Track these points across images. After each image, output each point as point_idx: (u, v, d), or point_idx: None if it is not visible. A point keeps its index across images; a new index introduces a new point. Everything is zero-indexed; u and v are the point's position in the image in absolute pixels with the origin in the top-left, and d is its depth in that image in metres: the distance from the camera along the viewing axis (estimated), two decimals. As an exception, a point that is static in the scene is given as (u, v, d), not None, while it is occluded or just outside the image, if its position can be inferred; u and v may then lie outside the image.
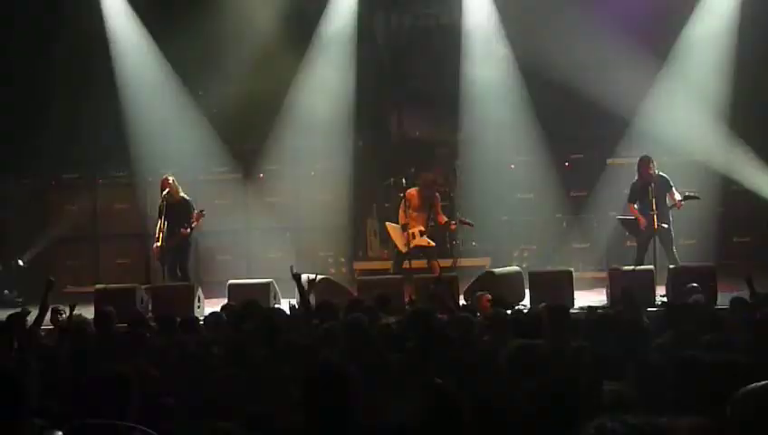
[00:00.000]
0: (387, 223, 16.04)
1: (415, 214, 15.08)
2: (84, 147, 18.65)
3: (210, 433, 5.18)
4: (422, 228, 15.02)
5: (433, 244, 15.16)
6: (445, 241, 17.76)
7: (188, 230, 15.14)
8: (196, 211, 15.26)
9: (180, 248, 15.31)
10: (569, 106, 18.48)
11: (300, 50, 18.45)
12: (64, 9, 18.31)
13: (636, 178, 15.02)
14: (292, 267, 10.88)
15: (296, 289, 10.56)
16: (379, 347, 7.89)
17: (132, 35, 18.51)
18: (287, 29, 18.44)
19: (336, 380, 5.16)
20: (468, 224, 15.61)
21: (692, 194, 14.98)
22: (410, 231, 14.96)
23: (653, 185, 14.66)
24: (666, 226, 14.80)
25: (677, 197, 14.83)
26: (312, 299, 11.15)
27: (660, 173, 14.92)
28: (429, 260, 15.10)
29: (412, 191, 15.28)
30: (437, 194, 15.40)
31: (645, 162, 14.94)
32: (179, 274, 15.24)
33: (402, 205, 15.24)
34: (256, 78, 18.15)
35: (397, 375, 6.78)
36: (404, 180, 15.26)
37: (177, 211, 15.17)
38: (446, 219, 15.17)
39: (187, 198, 15.50)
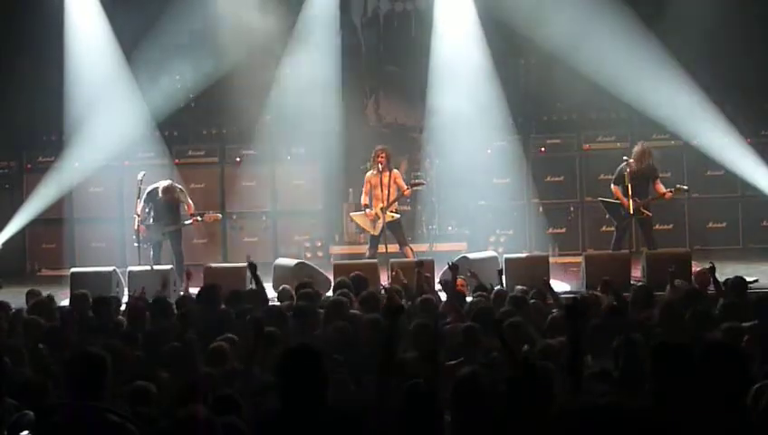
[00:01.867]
0: (351, 213, 16.15)
1: (375, 192, 15.24)
2: (60, 129, 18.56)
3: (182, 417, 5.19)
4: (383, 206, 15.15)
5: (397, 216, 15.28)
6: (421, 225, 17.82)
7: (197, 222, 15.22)
8: (190, 201, 15.32)
9: (177, 234, 15.33)
10: (545, 91, 18.54)
11: (278, 34, 18.38)
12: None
13: (630, 164, 14.91)
14: (248, 256, 11.06)
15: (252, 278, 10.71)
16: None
17: (95, 20, 18.36)
18: (266, 13, 18.36)
19: (308, 358, 5.18)
20: (419, 184, 15.94)
21: (682, 187, 15.00)
22: (373, 213, 15.11)
23: (642, 173, 14.73)
24: (646, 211, 14.85)
25: (662, 188, 14.85)
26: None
27: (651, 163, 14.97)
28: (401, 244, 15.22)
29: (370, 174, 15.40)
30: (395, 170, 15.47)
31: (646, 152, 14.94)
32: (175, 256, 15.23)
33: (364, 188, 15.44)
34: (234, 62, 18.09)
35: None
36: (379, 165, 15.27)
37: (172, 203, 15.17)
38: (404, 187, 15.30)
39: (181, 188, 15.51)
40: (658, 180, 14.98)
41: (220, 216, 15.82)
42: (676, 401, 4.46)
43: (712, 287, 11.07)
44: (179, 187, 15.58)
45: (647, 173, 14.89)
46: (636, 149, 15.08)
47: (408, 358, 7.13)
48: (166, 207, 15.22)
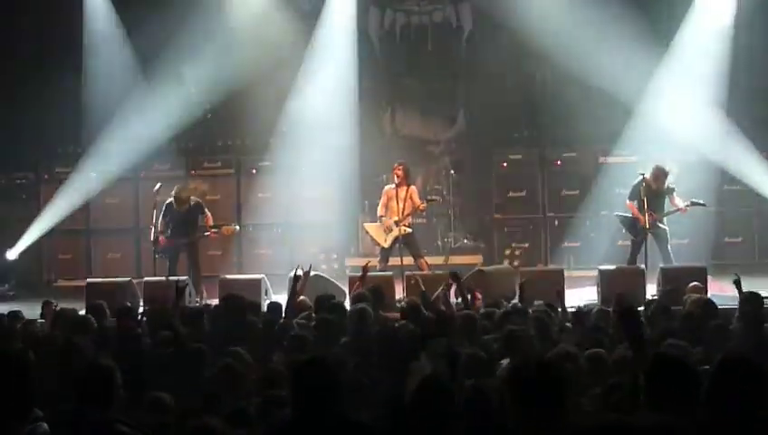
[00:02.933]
0: (364, 224, 16.18)
1: (391, 204, 15.30)
2: (77, 141, 18.64)
3: (195, 430, 5.20)
4: (397, 219, 15.14)
5: (410, 230, 15.27)
6: (437, 238, 17.82)
7: (216, 234, 15.24)
8: (208, 212, 15.36)
9: (194, 246, 15.35)
10: (561, 104, 18.52)
11: (295, 46, 18.44)
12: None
13: (647, 180, 14.89)
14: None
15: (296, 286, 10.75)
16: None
17: (113, 32, 18.46)
18: (283, 25, 18.42)
19: (321, 368, 5.18)
20: (434, 200, 15.95)
21: (698, 201, 14.99)
22: (387, 225, 15.12)
23: (658, 193, 14.73)
24: (662, 225, 14.84)
25: (679, 202, 14.85)
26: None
27: (670, 184, 14.98)
28: (415, 257, 15.22)
29: (388, 187, 15.43)
30: (412, 186, 15.48)
31: (660, 174, 14.93)
32: (191, 269, 15.25)
33: (381, 200, 15.51)
34: (250, 74, 18.14)
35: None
36: (395, 178, 15.29)
37: (189, 212, 15.20)
38: (418, 202, 15.30)
39: (198, 200, 15.55)
40: (674, 194, 14.96)
41: (238, 227, 15.84)
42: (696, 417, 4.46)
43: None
44: (196, 199, 15.56)
45: (662, 190, 14.88)
46: (654, 170, 15.03)
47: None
48: (184, 219, 15.22)
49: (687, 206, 14.83)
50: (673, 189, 15.00)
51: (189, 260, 15.36)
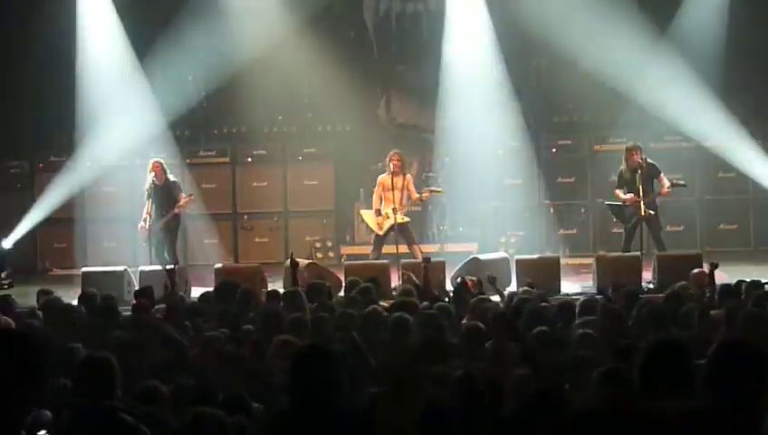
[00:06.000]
0: (360, 210, 16.19)
1: (386, 194, 15.24)
2: (72, 129, 18.59)
3: (197, 418, 5.20)
4: (394, 207, 15.12)
5: (407, 219, 15.26)
6: (432, 226, 17.82)
7: (177, 211, 15.22)
8: (184, 193, 15.38)
9: (168, 230, 15.35)
10: (556, 92, 18.53)
11: (290, 34, 18.40)
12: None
13: (623, 165, 15.02)
14: (292, 254, 11.08)
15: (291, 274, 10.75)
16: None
17: (108, 19, 18.39)
18: (278, 13, 18.40)
19: (322, 356, 5.18)
20: (437, 192, 15.94)
21: (679, 182, 15.01)
22: (384, 212, 15.15)
23: (639, 172, 14.68)
24: (653, 212, 14.83)
25: (666, 182, 14.85)
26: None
27: (648, 160, 14.93)
28: (409, 244, 15.20)
29: (382, 177, 15.40)
30: (408, 175, 15.45)
31: (632, 150, 14.95)
32: (167, 256, 15.26)
33: (376, 191, 15.42)
34: (246, 62, 18.12)
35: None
36: (391, 166, 15.28)
37: (165, 193, 15.22)
38: (417, 194, 15.29)
39: (175, 179, 15.61)
40: (662, 175, 14.94)
41: (193, 196, 15.77)
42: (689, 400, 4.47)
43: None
44: (171, 177, 15.57)
45: (647, 172, 14.84)
46: (624, 153, 15.07)
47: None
48: (161, 201, 15.21)
49: (668, 188, 14.82)
50: (659, 171, 14.97)
51: (167, 247, 15.35)
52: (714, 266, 11.31)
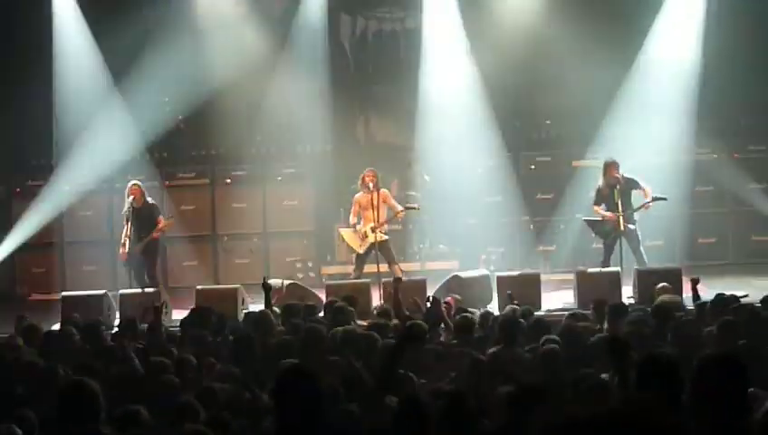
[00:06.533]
0: (339, 229, 16.20)
1: (365, 213, 15.26)
2: (49, 153, 18.52)
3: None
4: (372, 225, 15.13)
5: (386, 237, 15.27)
6: (412, 244, 17.84)
7: (157, 234, 15.20)
8: (163, 216, 15.39)
9: (148, 253, 15.31)
10: (534, 108, 18.61)
11: (266, 54, 18.42)
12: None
13: (600, 181, 15.08)
14: (265, 278, 11.01)
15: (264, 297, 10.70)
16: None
17: (84, 42, 18.35)
18: (254, 34, 18.41)
19: (306, 379, 5.17)
20: (413, 208, 15.91)
21: (659, 196, 15.06)
22: (362, 231, 15.14)
23: (617, 187, 14.74)
24: (632, 227, 14.88)
25: (649, 190, 14.88)
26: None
27: (626, 175, 14.99)
28: (389, 262, 15.20)
29: (358, 195, 15.41)
30: (383, 190, 15.46)
31: (610, 166, 15.01)
32: (147, 279, 15.21)
33: (352, 209, 15.46)
34: (223, 83, 18.12)
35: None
36: (370, 184, 15.29)
37: (144, 216, 15.20)
38: (396, 209, 15.33)
39: (154, 202, 15.61)
40: (642, 185, 14.99)
41: (172, 219, 15.81)
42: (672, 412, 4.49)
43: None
44: (150, 200, 15.56)
45: (625, 186, 14.91)
46: (603, 168, 15.14)
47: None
48: (140, 224, 15.19)
49: (649, 203, 14.88)
50: (638, 185, 15.03)
51: (148, 269, 15.32)
52: (695, 282, 11.36)
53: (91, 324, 10.62)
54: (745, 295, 13.06)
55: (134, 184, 15.43)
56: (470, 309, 10.99)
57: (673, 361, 4.95)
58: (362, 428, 5.61)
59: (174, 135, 19.07)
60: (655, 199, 14.92)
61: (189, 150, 19.46)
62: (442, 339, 9.40)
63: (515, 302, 11.64)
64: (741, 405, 4.13)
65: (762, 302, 10.79)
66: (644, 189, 14.95)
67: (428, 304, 10.66)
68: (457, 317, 9.86)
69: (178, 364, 7.91)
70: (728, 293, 11.19)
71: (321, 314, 11.56)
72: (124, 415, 6.28)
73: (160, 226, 15.33)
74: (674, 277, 13.50)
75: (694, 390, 4.22)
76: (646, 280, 13.65)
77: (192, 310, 10.99)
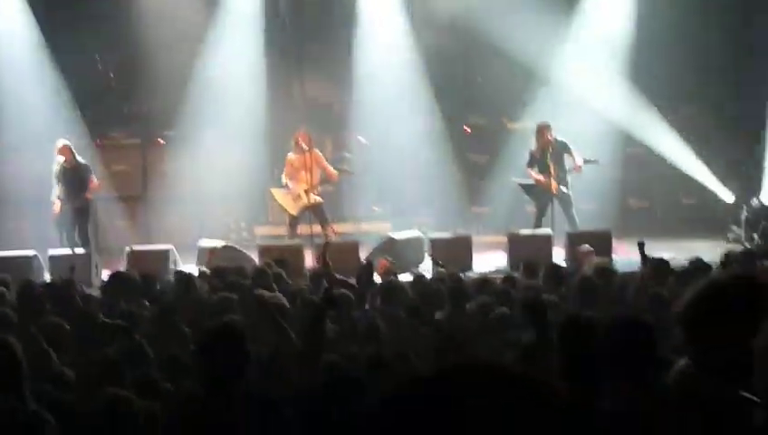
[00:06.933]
0: (272, 189, 16.15)
1: (298, 174, 15.20)
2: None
3: (108, 401, 5.15)
4: (306, 187, 15.10)
5: (320, 200, 15.24)
6: (346, 206, 17.84)
7: (90, 195, 15.07)
8: (95, 176, 15.27)
9: (80, 214, 15.18)
10: (469, 69, 18.62)
11: (201, 13, 18.23)
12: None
13: (533, 144, 15.17)
14: None
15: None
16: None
17: (14, 3, 18.05)
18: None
19: (231, 339, 5.16)
20: (347, 172, 16.02)
21: (591, 159, 15.17)
22: (295, 193, 15.11)
23: (551, 150, 14.83)
24: (564, 190, 14.99)
25: (578, 159, 15.00)
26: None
27: (558, 138, 15.08)
28: (323, 224, 15.19)
29: (291, 156, 15.33)
30: (315, 150, 15.42)
31: (542, 128, 15.10)
32: (79, 240, 15.08)
33: (285, 170, 15.43)
34: (157, 42, 17.92)
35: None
36: (303, 146, 15.23)
37: (75, 176, 15.04)
38: (330, 171, 15.31)
39: (85, 162, 15.44)
40: (573, 151, 15.11)
41: (101, 182, 15.73)
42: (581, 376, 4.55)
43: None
44: (81, 160, 15.41)
45: (557, 149, 15.00)
46: (535, 131, 15.25)
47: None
48: (72, 184, 15.07)
49: (580, 165, 14.99)
50: (567, 145, 15.13)
51: (79, 230, 15.19)
52: (641, 245, 11.45)
53: (24, 283, 10.45)
54: (673, 258, 13.26)
55: (64, 143, 15.26)
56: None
57: (591, 323, 4.99)
58: (291, 389, 5.60)
59: (105, 94, 18.84)
60: (587, 162, 15.05)
61: (121, 110, 19.23)
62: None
63: (440, 264, 11.71)
64: (652, 366, 4.17)
65: (690, 264, 10.95)
66: (573, 155, 15.06)
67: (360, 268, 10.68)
68: (385, 282, 9.90)
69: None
70: (658, 256, 11.35)
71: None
72: (51, 377, 6.24)
73: (93, 186, 15.20)
74: (604, 240, 13.65)
75: (605, 351, 4.26)
76: (577, 243, 13.75)
77: (111, 275, 10.87)
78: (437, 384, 1.44)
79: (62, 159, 14.97)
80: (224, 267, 11.24)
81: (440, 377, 1.46)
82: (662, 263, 10.41)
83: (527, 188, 15.41)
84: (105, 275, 13.74)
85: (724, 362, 2.53)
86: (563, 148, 15.07)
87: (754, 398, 1.59)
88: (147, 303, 9.45)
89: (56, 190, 14.98)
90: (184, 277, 10.20)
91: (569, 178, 15.15)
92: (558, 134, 15.26)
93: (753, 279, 3.27)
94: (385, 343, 7.31)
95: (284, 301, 8.26)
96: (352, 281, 9.84)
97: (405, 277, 11.16)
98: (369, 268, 10.23)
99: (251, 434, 4.93)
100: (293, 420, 5.08)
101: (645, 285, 9.08)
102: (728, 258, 10.95)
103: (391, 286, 9.41)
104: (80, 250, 14.68)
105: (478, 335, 7.78)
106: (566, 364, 4.78)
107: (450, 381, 1.44)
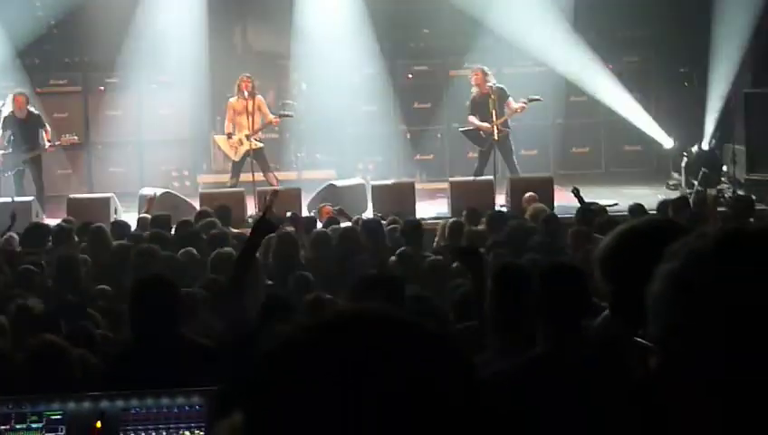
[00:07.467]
0: (215, 136, 16.08)
1: (239, 119, 15.13)
2: None
3: (39, 346, 5.15)
4: (248, 132, 15.04)
5: (261, 145, 15.21)
6: (289, 153, 17.80)
7: (52, 148, 15.07)
8: (49, 127, 15.22)
9: (36, 163, 15.13)
10: (412, 17, 18.56)
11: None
12: None
13: (474, 90, 15.19)
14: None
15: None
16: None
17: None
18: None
19: (162, 286, 5.19)
20: (287, 115, 15.95)
21: (535, 97, 15.19)
22: (237, 138, 15.06)
23: (492, 97, 14.85)
24: (505, 135, 15.03)
25: (514, 105, 15.03)
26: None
27: (498, 84, 15.11)
28: (264, 171, 15.15)
29: (232, 100, 15.28)
30: (258, 96, 15.36)
31: (480, 75, 15.11)
32: (36, 187, 15.08)
33: (227, 115, 15.34)
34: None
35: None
36: (245, 91, 15.15)
37: (29, 126, 14.98)
38: (271, 116, 15.26)
39: (38, 113, 15.39)
40: (510, 99, 15.15)
41: (76, 138, 15.62)
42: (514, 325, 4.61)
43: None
44: (34, 111, 15.33)
45: (497, 95, 15.01)
46: (473, 77, 15.27)
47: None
48: (24, 133, 14.97)
49: (525, 103, 15.03)
50: (505, 91, 15.17)
51: (33, 178, 15.15)
52: (576, 191, 11.57)
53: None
54: (615, 204, 13.43)
55: (18, 93, 15.16)
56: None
57: (525, 270, 5.05)
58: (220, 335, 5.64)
59: (45, 41, 18.58)
60: (531, 100, 15.05)
61: (62, 57, 18.98)
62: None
63: (379, 214, 11.80)
64: (583, 312, 4.22)
65: (629, 211, 11.12)
66: (509, 105, 15.07)
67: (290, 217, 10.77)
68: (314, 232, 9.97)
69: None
70: (600, 202, 11.51)
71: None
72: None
73: (60, 142, 15.23)
74: (546, 186, 13.75)
75: (538, 296, 4.30)
76: (518, 189, 13.84)
77: (28, 226, 10.83)
78: (330, 332, 1.46)
79: (12, 107, 14.90)
80: (162, 215, 11.21)
81: (334, 325, 1.47)
82: (588, 210, 10.56)
83: (469, 135, 15.44)
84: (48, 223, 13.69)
85: (635, 305, 2.59)
86: (503, 94, 15.09)
87: (648, 343, 1.63)
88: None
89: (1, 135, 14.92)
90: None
91: (510, 123, 15.19)
92: (500, 82, 15.29)
93: (671, 223, 3.33)
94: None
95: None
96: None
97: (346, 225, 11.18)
98: (298, 220, 10.34)
99: (182, 381, 4.95)
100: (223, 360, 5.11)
101: (579, 231, 9.19)
102: (663, 205, 11.11)
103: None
104: (26, 198, 14.57)
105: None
106: (499, 311, 4.84)
107: (344, 331, 1.45)
